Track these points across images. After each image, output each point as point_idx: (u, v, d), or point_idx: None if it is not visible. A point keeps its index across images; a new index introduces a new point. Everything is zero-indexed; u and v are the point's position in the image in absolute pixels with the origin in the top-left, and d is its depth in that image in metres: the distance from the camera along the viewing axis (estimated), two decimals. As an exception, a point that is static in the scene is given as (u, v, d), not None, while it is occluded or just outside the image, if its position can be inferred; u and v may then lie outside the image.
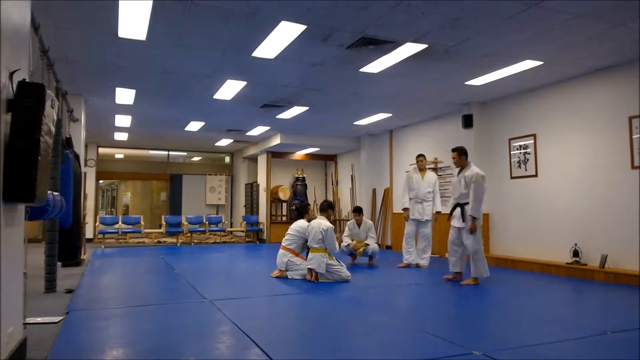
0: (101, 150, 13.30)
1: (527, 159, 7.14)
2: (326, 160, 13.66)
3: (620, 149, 5.81)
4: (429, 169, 7.93)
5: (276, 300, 4.60)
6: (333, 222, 6.29)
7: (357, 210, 7.63)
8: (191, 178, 14.60)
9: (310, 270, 5.63)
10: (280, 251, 6.00)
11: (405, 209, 7.22)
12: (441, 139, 9.01)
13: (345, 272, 5.69)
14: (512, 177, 7.39)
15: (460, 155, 5.58)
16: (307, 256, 5.82)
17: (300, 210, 6.43)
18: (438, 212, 7.12)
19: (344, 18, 4.47)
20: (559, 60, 5.72)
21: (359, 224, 7.51)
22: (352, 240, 7.48)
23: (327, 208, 6.08)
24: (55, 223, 5.01)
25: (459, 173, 5.64)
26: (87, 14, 4.41)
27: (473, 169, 5.47)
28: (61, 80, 5.40)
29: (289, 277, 5.81)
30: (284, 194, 12.97)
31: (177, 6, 4.23)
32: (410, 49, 5.28)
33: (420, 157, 7.28)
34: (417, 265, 7.11)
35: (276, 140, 11.30)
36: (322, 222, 5.75)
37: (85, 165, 10.54)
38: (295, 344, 3.19)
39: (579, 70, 6.15)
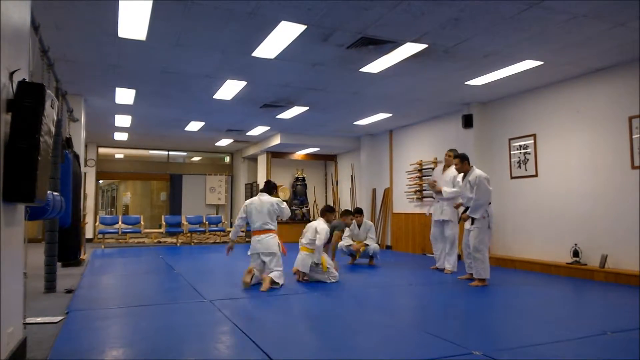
0: (101, 150, 13.30)
1: (527, 159, 7.14)
2: (326, 160, 13.66)
3: (620, 149, 5.81)
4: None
5: (276, 300, 4.60)
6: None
7: (358, 212, 7.64)
8: (191, 178, 14.60)
9: (298, 270, 5.66)
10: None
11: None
12: (441, 139, 9.01)
13: (332, 272, 5.67)
14: (512, 177, 7.39)
15: (463, 161, 5.66)
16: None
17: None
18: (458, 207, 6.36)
19: (344, 18, 4.47)
20: (559, 60, 5.72)
21: (359, 225, 7.52)
22: (353, 241, 7.49)
23: (326, 211, 6.05)
24: (55, 223, 5.01)
25: (463, 178, 5.72)
26: (87, 14, 4.41)
27: (476, 172, 5.54)
28: (61, 80, 5.40)
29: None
30: (284, 194, 12.97)
31: (177, 6, 4.23)
32: (410, 49, 5.28)
33: (450, 152, 6.66)
34: (443, 270, 6.62)
35: (276, 140, 11.30)
36: (319, 224, 5.76)
37: (85, 165, 10.54)
38: (295, 344, 3.19)
39: (579, 70, 6.15)
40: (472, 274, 5.56)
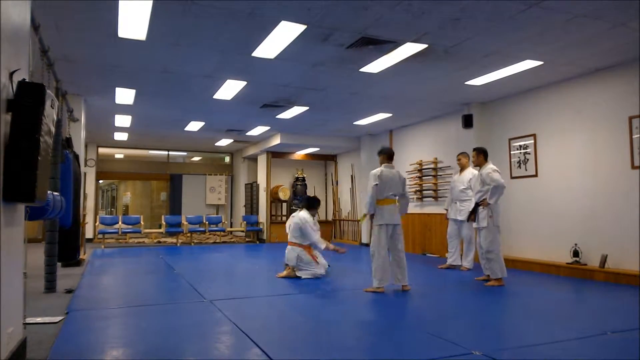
0: (101, 150, 13.30)
1: (527, 159, 7.14)
2: (326, 160, 13.66)
3: (620, 149, 5.80)
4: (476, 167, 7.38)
5: (276, 300, 4.60)
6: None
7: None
8: (191, 178, 14.60)
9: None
10: (289, 247, 6.10)
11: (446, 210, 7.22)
12: (441, 139, 9.01)
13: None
14: (512, 177, 7.39)
15: (479, 154, 5.78)
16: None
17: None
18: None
19: (344, 18, 4.47)
20: (559, 60, 5.72)
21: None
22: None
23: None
24: (55, 223, 5.01)
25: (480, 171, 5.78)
26: (87, 14, 4.41)
27: (489, 167, 5.64)
28: (61, 80, 5.40)
29: (300, 276, 5.89)
30: (284, 194, 12.97)
31: (177, 6, 4.23)
32: (410, 49, 5.27)
33: (459, 155, 7.04)
34: (461, 268, 6.76)
35: (276, 140, 11.30)
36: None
37: (85, 165, 10.54)
38: (295, 344, 3.19)
39: (579, 70, 6.15)
40: (488, 275, 5.52)
